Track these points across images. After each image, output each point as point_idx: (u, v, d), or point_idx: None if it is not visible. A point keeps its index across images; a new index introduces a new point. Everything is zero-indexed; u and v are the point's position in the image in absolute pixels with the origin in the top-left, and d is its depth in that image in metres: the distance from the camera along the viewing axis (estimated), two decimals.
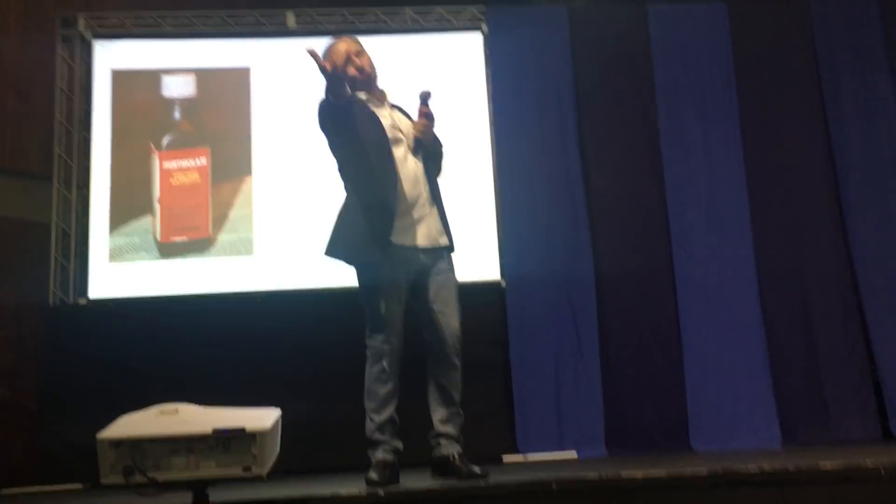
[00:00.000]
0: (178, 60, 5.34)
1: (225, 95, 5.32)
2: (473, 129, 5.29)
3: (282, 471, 2.42)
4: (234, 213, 5.15)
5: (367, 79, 3.14)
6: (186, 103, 5.29)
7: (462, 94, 5.34)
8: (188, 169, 5.20)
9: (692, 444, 4.76)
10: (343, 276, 5.02)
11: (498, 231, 5.15)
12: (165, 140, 5.23)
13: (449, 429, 3.05)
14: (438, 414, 3.09)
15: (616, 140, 5.21)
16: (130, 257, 5.06)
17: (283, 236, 5.12)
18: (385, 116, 3.11)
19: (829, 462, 2.66)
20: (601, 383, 4.91)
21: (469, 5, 5.46)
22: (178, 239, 5.12)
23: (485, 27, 5.42)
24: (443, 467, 3.02)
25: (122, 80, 5.29)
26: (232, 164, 5.21)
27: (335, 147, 3.05)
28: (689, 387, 4.89)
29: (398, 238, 2.96)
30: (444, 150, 3.22)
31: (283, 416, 2.38)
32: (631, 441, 4.77)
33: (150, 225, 5.11)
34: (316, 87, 5.44)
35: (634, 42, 5.30)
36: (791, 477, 2.57)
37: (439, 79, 5.35)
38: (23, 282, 5.04)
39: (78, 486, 4.46)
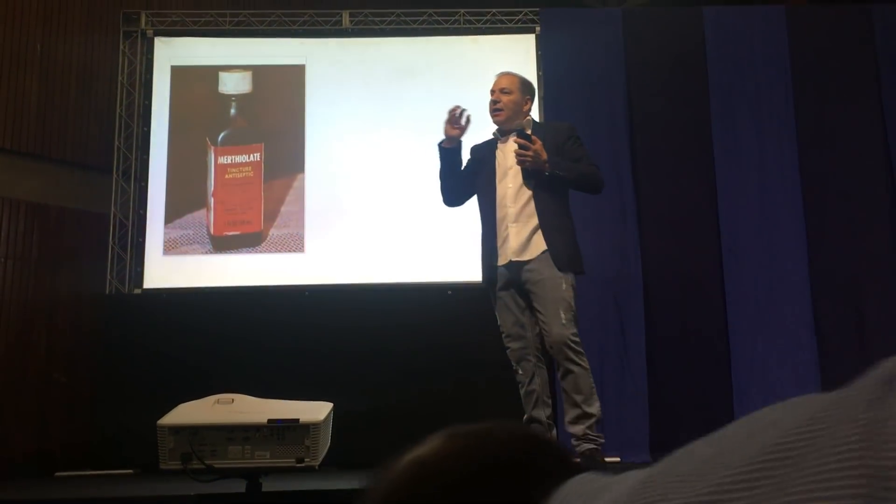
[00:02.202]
0: (235, 57, 5.44)
1: (280, 92, 5.40)
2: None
3: (332, 463, 2.47)
4: (285, 209, 5.23)
5: (496, 115, 3.41)
6: (242, 100, 5.39)
7: None
8: (242, 164, 5.30)
9: None
10: (392, 273, 5.12)
11: None
12: (221, 135, 5.34)
13: (574, 429, 3.15)
14: (567, 416, 3.21)
15: (668, 143, 5.17)
16: (184, 250, 5.17)
17: (333, 233, 5.18)
18: (502, 149, 3.39)
19: None
20: (647, 388, 4.88)
21: (523, 7, 5.47)
22: (230, 233, 5.22)
23: (538, 29, 5.42)
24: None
25: (181, 76, 5.41)
26: (285, 160, 5.29)
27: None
28: (737, 395, 4.84)
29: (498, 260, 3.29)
30: (570, 174, 3.30)
31: (334, 410, 2.42)
32: (676, 447, 4.70)
33: (203, 218, 5.21)
34: (370, 85, 5.48)
35: (689, 44, 5.25)
36: None
37: (492, 80, 5.38)
38: (81, 270, 5.19)
39: (129, 471, 4.57)
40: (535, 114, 5.30)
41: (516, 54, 5.43)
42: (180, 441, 2.15)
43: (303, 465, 2.19)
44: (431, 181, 5.20)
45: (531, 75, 5.36)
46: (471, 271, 5.09)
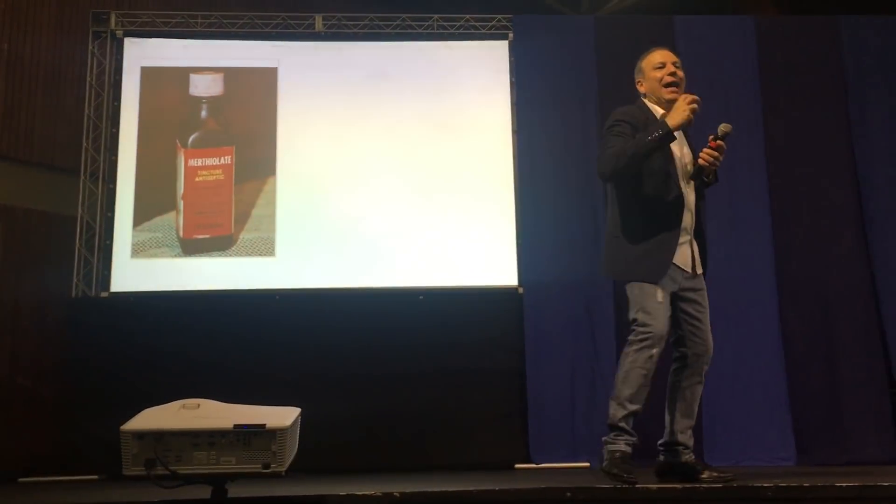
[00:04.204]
0: (206, 59, 5.40)
1: (251, 95, 5.37)
2: (497, 136, 5.32)
3: (299, 469, 2.45)
4: (256, 213, 5.19)
5: (674, 91, 3.13)
6: (213, 102, 5.35)
7: (487, 100, 5.37)
8: (213, 167, 5.26)
9: (705, 459, 4.73)
10: (364, 277, 5.10)
11: (517, 237, 5.17)
12: (191, 138, 5.29)
13: (685, 439, 3.15)
14: (680, 424, 3.18)
15: None
16: (153, 253, 5.12)
17: (305, 237, 5.16)
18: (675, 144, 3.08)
19: (844, 481, 2.65)
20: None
21: (496, 14, 5.48)
22: (200, 236, 5.17)
23: (511, 35, 5.44)
24: (681, 472, 3.07)
25: (151, 78, 5.36)
26: (256, 163, 5.26)
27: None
28: (704, 401, 4.86)
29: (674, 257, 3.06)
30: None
31: (302, 415, 2.40)
32: (645, 453, 4.72)
33: (173, 221, 5.16)
34: (342, 89, 5.46)
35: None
36: (806, 495, 2.57)
37: (465, 85, 5.40)
38: (47, 274, 5.11)
39: (94, 477, 4.51)
40: (507, 119, 5.35)
41: (489, 60, 5.45)
42: (144, 446, 2.12)
43: (269, 471, 2.17)
44: (404, 184, 5.23)
45: (504, 82, 5.41)
46: (445, 275, 5.12)
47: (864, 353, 4.90)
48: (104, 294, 5.05)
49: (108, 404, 4.40)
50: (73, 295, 5.03)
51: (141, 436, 2.13)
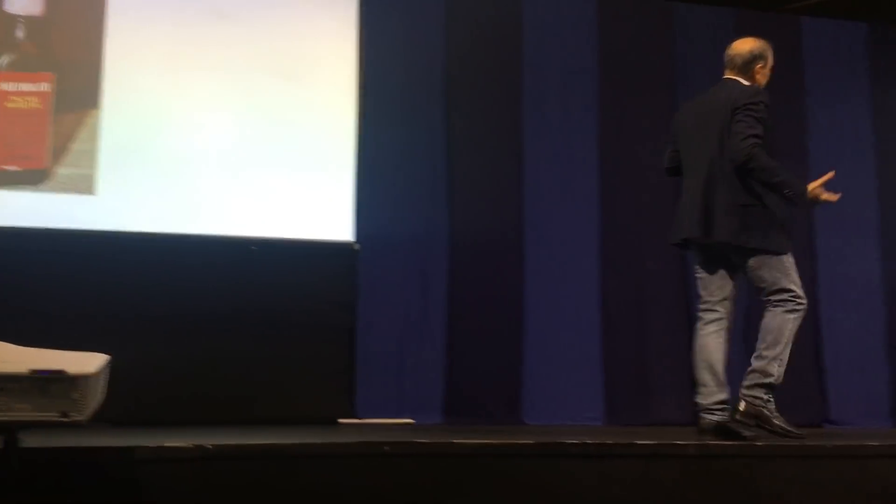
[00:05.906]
0: None
1: (76, 19, 4.93)
2: (340, 86, 5.19)
3: (109, 420, 2.32)
4: (76, 147, 4.80)
5: None
6: (31, 22, 4.88)
7: (332, 48, 5.22)
8: (27, 93, 4.81)
9: (524, 418, 4.96)
10: (193, 223, 4.86)
11: (355, 192, 5.09)
12: (4, 60, 4.81)
13: None
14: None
15: (481, 116, 5.28)
16: None
17: (130, 176, 4.83)
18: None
19: (643, 440, 2.85)
20: (444, 353, 5.01)
21: None
22: (8, 167, 4.74)
23: None
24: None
25: None
26: (78, 94, 4.85)
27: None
28: (527, 362, 5.09)
29: None
30: None
31: (115, 364, 2.27)
32: (467, 411, 4.90)
33: None
34: (178, 22, 5.12)
35: (507, 21, 5.37)
36: (610, 451, 2.73)
37: (309, 29, 5.23)
38: None
39: None
40: (352, 72, 5.23)
41: (336, 9, 5.29)
42: None
43: (68, 419, 2.02)
44: (240, 128, 5.00)
45: (351, 33, 5.25)
46: (278, 227, 4.97)
47: (672, 325, 5.26)
48: None
49: None
50: None
51: None
